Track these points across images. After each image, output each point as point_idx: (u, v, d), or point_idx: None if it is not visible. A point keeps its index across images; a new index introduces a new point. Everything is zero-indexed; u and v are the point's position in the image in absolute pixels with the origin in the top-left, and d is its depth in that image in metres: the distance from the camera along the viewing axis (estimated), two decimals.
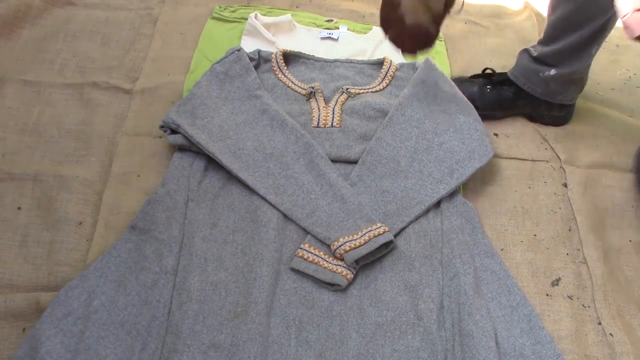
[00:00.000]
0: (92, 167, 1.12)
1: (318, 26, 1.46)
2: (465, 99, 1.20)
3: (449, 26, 1.52)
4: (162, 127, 1.13)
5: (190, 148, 1.10)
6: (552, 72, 1.20)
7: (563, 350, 0.93)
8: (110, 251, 0.96)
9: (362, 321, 0.93)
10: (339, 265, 0.97)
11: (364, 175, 1.09)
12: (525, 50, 1.26)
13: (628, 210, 1.16)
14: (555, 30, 1.18)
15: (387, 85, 1.26)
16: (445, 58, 1.43)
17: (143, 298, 0.91)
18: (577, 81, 1.25)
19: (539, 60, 1.22)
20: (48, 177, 1.09)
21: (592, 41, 1.16)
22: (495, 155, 1.13)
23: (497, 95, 1.27)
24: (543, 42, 1.22)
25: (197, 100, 1.15)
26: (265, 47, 1.32)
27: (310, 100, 1.21)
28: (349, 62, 1.30)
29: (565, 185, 1.19)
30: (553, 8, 1.18)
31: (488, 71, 1.31)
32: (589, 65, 1.23)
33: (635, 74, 1.40)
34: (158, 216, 1.00)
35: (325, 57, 1.33)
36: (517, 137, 1.27)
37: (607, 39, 1.50)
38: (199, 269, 0.96)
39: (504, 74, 1.29)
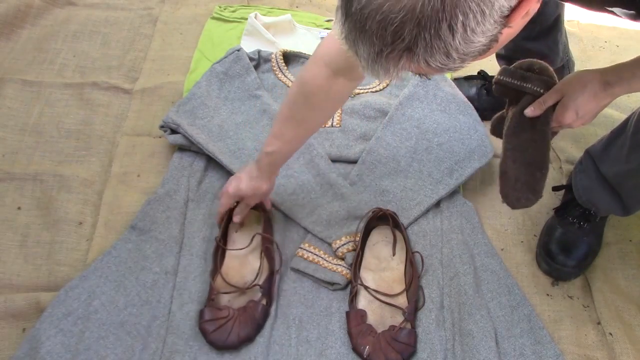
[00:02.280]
0: (92, 167, 1.12)
1: (318, 26, 1.46)
2: (466, 99, 1.20)
3: None
4: (162, 127, 1.13)
5: (190, 148, 1.10)
6: None
7: (563, 350, 0.93)
8: (110, 251, 0.96)
9: None
10: (338, 264, 0.97)
11: (363, 174, 1.09)
12: (499, 56, 1.25)
13: None
14: None
15: (387, 85, 1.26)
16: None
17: (143, 298, 0.91)
18: (564, 69, 1.24)
19: (515, 59, 1.20)
20: (48, 177, 1.09)
21: (551, 30, 1.13)
22: (495, 155, 1.13)
23: (496, 98, 1.27)
24: None
25: (197, 100, 1.15)
26: (265, 47, 1.32)
27: None
28: None
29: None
30: None
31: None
32: (567, 50, 1.21)
33: None
34: (158, 216, 1.01)
35: None
36: None
37: (607, 39, 1.50)
38: (200, 269, 0.96)
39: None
